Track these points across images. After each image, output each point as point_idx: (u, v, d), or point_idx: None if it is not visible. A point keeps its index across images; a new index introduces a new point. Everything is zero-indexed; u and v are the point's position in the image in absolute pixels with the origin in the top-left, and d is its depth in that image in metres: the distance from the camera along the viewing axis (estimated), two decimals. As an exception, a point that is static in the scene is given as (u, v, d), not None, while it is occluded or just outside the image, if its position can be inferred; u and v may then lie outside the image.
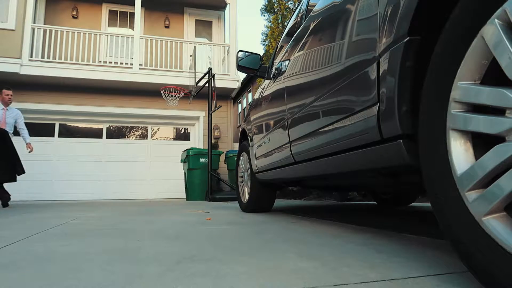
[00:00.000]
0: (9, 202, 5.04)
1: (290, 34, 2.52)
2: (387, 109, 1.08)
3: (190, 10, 9.57)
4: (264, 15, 11.02)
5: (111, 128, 8.65)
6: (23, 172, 4.98)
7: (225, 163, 7.95)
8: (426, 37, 0.96)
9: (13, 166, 4.83)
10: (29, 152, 5.29)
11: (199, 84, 7.53)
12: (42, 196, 7.67)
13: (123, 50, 8.04)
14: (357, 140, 1.31)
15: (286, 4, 9.32)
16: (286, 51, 2.35)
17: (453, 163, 0.76)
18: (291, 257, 1.21)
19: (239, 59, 2.82)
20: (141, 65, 8.12)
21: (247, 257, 1.23)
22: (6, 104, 5.21)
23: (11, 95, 5.26)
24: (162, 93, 7.59)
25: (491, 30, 0.67)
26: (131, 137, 8.81)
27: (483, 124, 0.70)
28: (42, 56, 7.51)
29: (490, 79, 0.71)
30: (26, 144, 5.29)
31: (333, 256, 1.21)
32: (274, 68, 2.55)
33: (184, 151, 7.31)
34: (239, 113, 17.06)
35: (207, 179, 6.76)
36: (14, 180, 4.89)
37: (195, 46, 8.25)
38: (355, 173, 1.68)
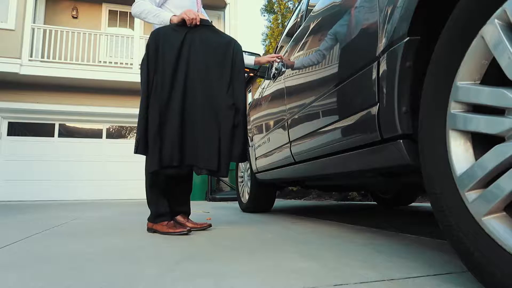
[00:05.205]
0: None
1: (290, 34, 2.52)
2: (387, 109, 1.08)
3: (190, 10, 9.56)
4: (264, 15, 11.02)
5: (111, 128, 8.65)
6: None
7: (225, 163, 7.94)
8: (426, 37, 0.96)
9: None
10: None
11: (199, 84, 7.49)
12: (42, 196, 7.67)
13: (123, 50, 8.04)
14: (357, 140, 1.31)
15: (286, 4, 9.32)
16: (286, 51, 2.35)
17: (453, 163, 0.76)
18: (291, 257, 1.21)
19: (239, 59, 2.82)
20: (141, 65, 8.12)
21: (247, 257, 1.23)
22: None
23: None
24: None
25: (491, 30, 0.67)
26: (131, 137, 8.80)
27: (483, 124, 0.70)
28: (42, 56, 7.50)
29: (490, 79, 0.71)
30: None
31: (333, 256, 1.21)
32: (274, 68, 2.55)
33: (184, 151, 7.29)
34: (239, 113, 17.02)
35: (207, 179, 6.75)
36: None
37: (195, 46, 8.22)
38: (355, 173, 1.68)
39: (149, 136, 1.78)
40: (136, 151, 1.83)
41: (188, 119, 1.84)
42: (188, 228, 1.83)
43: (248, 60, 2.35)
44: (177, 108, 1.81)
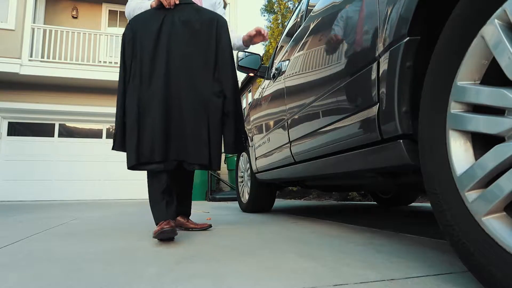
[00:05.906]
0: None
1: (290, 34, 2.52)
2: (387, 109, 1.08)
3: (190, 10, 9.56)
4: (264, 15, 11.01)
5: (111, 128, 8.65)
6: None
7: (225, 163, 7.94)
8: (426, 37, 0.96)
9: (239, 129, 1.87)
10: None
11: (199, 84, 7.49)
12: (42, 196, 7.67)
13: (123, 50, 8.04)
14: (357, 140, 1.31)
15: (286, 4, 9.32)
16: (286, 51, 2.35)
17: (453, 163, 0.76)
18: (291, 257, 1.21)
19: (239, 59, 2.81)
20: (141, 65, 8.12)
21: (247, 257, 1.23)
22: None
23: None
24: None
25: (491, 30, 0.67)
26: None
27: (483, 124, 0.70)
28: (42, 56, 7.50)
29: (490, 79, 0.71)
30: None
31: (333, 256, 1.21)
32: (274, 68, 2.55)
33: (184, 151, 7.29)
34: (239, 113, 17.00)
35: (207, 179, 6.76)
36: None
37: (195, 46, 8.22)
38: (355, 173, 1.68)
39: (126, 129, 1.66)
40: (113, 147, 1.70)
41: (172, 110, 1.69)
42: (173, 225, 1.58)
43: (236, 40, 2.14)
44: (158, 99, 1.65)
